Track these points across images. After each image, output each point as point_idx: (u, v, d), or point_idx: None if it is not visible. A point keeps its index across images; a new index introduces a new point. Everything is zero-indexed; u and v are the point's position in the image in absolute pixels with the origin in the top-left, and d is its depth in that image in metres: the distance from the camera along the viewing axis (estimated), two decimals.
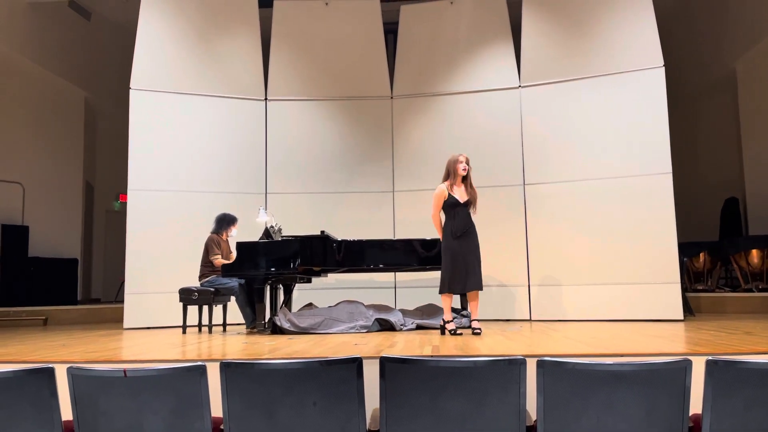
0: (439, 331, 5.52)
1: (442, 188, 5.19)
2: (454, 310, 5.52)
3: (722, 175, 10.20)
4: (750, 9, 8.88)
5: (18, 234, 9.31)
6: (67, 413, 2.30)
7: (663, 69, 6.75)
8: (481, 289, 5.10)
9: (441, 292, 5.16)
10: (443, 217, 5.22)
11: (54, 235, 9.99)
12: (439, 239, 5.91)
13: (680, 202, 6.90)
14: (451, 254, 5.08)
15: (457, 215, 5.09)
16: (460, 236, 5.06)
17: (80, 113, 10.73)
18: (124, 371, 2.20)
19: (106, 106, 11.12)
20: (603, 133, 6.94)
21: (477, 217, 5.21)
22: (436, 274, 6.65)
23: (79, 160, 10.67)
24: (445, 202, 5.14)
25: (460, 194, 5.14)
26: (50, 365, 2.31)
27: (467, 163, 5.17)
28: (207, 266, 6.18)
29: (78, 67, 10.43)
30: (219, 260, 6.10)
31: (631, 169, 6.75)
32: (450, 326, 5.14)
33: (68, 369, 2.29)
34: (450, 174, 5.20)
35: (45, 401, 2.26)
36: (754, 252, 8.08)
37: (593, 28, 7.16)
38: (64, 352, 4.24)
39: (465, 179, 5.18)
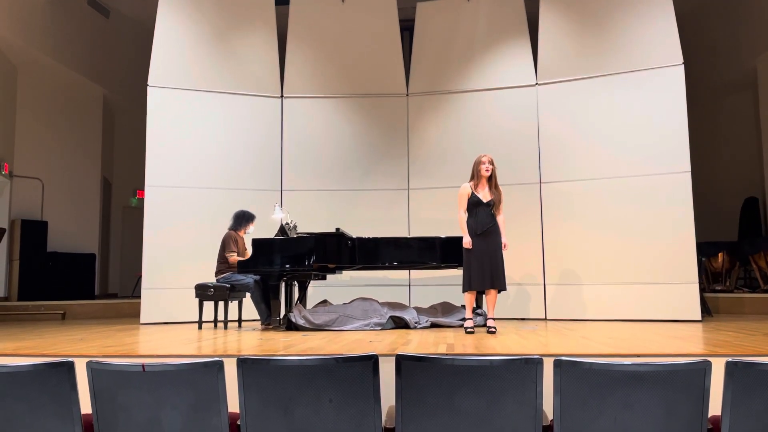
0: (453, 329, 5.51)
1: (466, 187, 5.22)
2: None
3: (742, 174, 10.07)
4: None
5: (37, 229, 9.44)
6: (85, 407, 2.32)
7: (682, 67, 6.67)
8: (505, 289, 5.12)
9: (464, 290, 5.17)
10: (467, 216, 5.22)
11: (72, 231, 10.12)
12: (454, 237, 5.91)
13: (699, 201, 6.82)
14: (473, 252, 5.07)
15: (479, 214, 5.11)
16: (481, 234, 5.06)
17: (98, 110, 10.86)
18: (143, 366, 2.22)
19: (124, 103, 11.23)
20: (621, 131, 6.88)
21: None
22: (451, 272, 6.68)
23: (97, 156, 10.79)
24: (468, 200, 5.15)
25: (484, 194, 5.16)
26: (69, 359, 2.34)
27: (491, 163, 5.17)
28: (223, 262, 6.21)
29: (96, 64, 10.54)
30: (234, 257, 6.13)
31: (650, 168, 6.68)
32: (468, 324, 5.14)
33: (87, 363, 2.31)
34: (474, 175, 5.22)
35: (64, 395, 2.29)
36: None
37: (611, 24, 7.09)
38: (82, 346, 4.29)
39: (490, 179, 5.19)
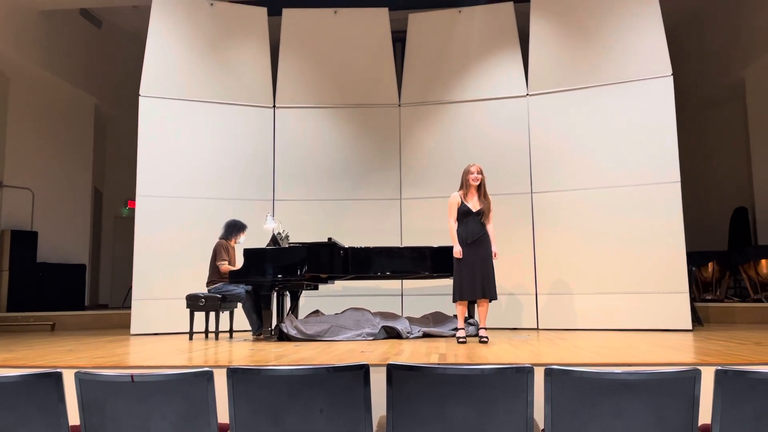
0: (445, 339, 5.51)
1: (455, 196, 5.24)
2: None
3: (731, 184, 10.15)
4: (759, 18, 8.86)
5: (27, 239, 9.37)
6: (74, 418, 2.30)
7: (671, 78, 6.73)
8: (496, 298, 5.12)
9: (454, 300, 5.17)
10: (456, 225, 5.23)
11: (62, 241, 10.05)
12: (444, 247, 5.92)
13: (689, 211, 6.87)
14: (463, 261, 5.08)
15: (469, 223, 5.13)
16: (471, 243, 5.08)
17: (90, 120, 10.82)
18: (132, 376, 2.20)
19: (116, 113, 11.21)
20: (611, 141, 6.92)
21: None
22: (443, 282, 6.68)
23: (89, 166, 10.75)
24: (458, 209, 5.17)
25: (473, 203, 5.18)
26: (58, 370, 2.32)
27: (480, 173, 5.20)
28: (215, 272, 6.19)
29: (88, 75, 10.52)
30: (225, 266, 6.11)
31: (640, 178, 6.72)
32: (460, 333, 5.14)
33: (76, 374, 2.29)
34: (463, 184, 5.24)
35: (52, 406, 2.27)
36: (763, 262, 8.03)
37: (601, 36, 7.16)
38: (71, 357, 4.26)
39: (479, 189, 5.21)
